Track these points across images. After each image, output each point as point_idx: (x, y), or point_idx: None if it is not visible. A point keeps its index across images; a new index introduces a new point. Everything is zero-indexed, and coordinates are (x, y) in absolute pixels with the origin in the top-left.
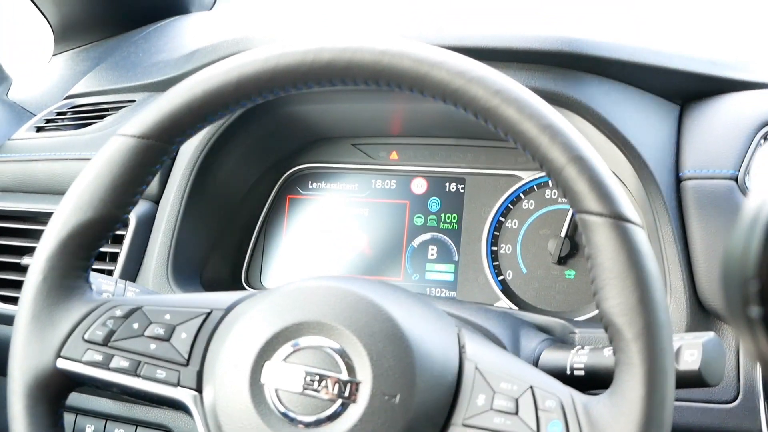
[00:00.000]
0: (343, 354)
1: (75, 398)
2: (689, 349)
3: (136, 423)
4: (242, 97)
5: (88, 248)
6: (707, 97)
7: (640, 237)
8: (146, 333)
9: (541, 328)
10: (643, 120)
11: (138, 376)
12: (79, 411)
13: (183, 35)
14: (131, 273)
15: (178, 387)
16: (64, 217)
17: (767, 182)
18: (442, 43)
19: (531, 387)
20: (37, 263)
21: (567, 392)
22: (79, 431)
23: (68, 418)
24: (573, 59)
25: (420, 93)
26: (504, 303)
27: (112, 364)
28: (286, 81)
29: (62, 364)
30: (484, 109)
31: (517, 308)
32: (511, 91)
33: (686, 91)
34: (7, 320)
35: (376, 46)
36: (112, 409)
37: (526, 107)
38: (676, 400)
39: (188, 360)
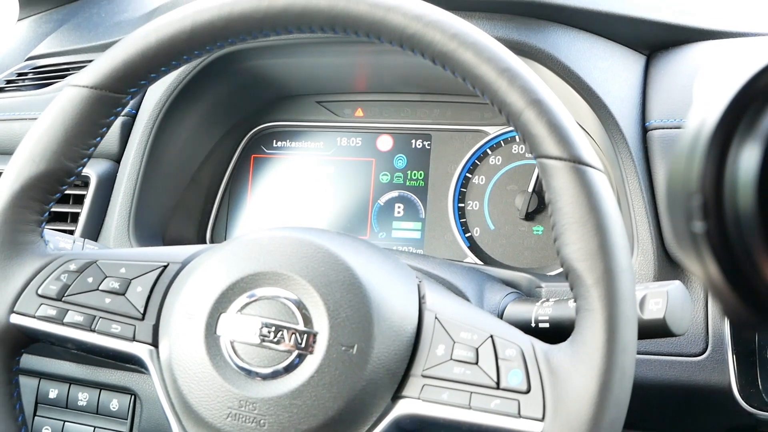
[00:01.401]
0: (299, 304)
1: (37, 362)
2: (654, 298)
3: (101, 386)
4: (196, 46)
5: (41, 201)
6: (673, 47)
7: (601, 181)
8: (101, 287)
9: (508, 283)
10: (609, 70)
11: (93, 330)
12: (42, 375)
13: None
14: (92, 233)
15: (134, 342)
16: (17, 170)
17: (709, 99)
18: None
19: (491, 336)
20: None
21: (528, 341)
22: (43, 395)
23: (31, 382)
24: (537, 8)
25: (377, 38)
26: (471, 260)
27: (67, 319)
28: (240, 28)
29: (15, 319)
30: (441, 54)
31: (484, 265)
32: (469, 35)
33: (652, 41)
34: None
35: None
36: (75, 372)
37: (483, 51)
38: (644, 353)
39: (144, 314)
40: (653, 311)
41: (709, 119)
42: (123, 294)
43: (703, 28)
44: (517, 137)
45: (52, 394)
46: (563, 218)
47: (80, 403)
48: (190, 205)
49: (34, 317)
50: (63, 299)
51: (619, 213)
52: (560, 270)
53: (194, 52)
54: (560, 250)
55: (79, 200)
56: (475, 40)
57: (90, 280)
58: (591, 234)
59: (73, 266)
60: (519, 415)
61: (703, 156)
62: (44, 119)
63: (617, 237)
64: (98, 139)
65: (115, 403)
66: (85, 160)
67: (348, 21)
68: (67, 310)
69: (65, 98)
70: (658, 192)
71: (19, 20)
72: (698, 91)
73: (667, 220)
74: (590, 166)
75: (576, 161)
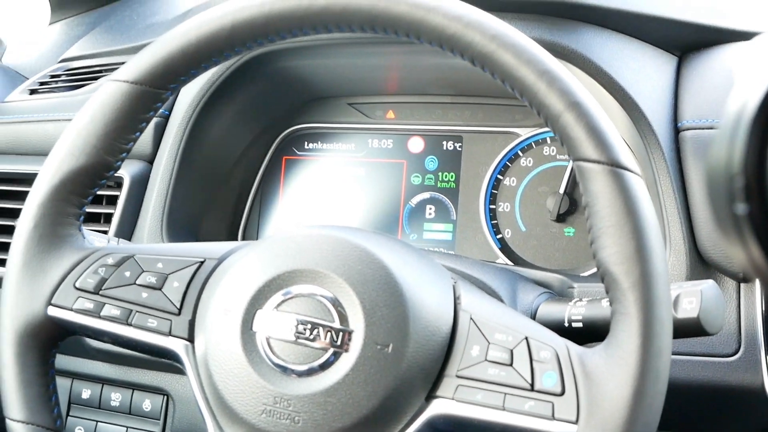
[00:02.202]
0: (335, 302)
1: (70, 362)
2: (687, 297)
3: (133, 386)
4: (236, 43)
5: (80, 195)
6: (705, 48)
7: (638, 185)
8: (138, 281)
9: (540, 283)
10: (641, 71)
11: (129, 324)
12: (75, 375)
13: None
14: (126, 233)
15: (170, 336)
16: (56, 163)
17: (751, 81)
18: None
19: (526, 338)
20: (29, 210)
21: (562, 343)
22: (76, 395)
23: (64, 383)
24: (570, 9)
25: (416, 38)
26: (503, 261)
27: (104, 313)
28: (280, 26)
29: (53, 311)
30: (480, 55)
31: (515, 265)
32: (508, 37)
33: (684, 42)
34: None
35: None
36: (108, 372)
37: (523, 53)
38: (676, 353)
39: (180, 309)
40: (687, 310)
41: (750, 101)
42: (160, 289)
43: (735, 29)
44: (548, 139)
45: (85, 394)
46: (600, 221)
47: (113, 404)
48: (222, 205)
49: (71, 310)
50: (100, 293)
51: (655, 217)
52: (592, 271)
53: (234, 49)
54: (596, 253)
55: (112, 201)
56: (515, 41)
57: (127, 274)
58: (628, 238)
59: (110, 260)
60: (553, 418)
61: (746, 137)
62: (84, 114)
63: (654, 241)
64: (137, 134)
65: (148, 403)
66: (124, 155)
67: (388, 21)
68: (104, 303)
69: (105, 93)
70: (690, 192)
71: (51, 24)
72: (740, 74)
73: (709, 203)
74: (628, 170)
75: (614, 165)
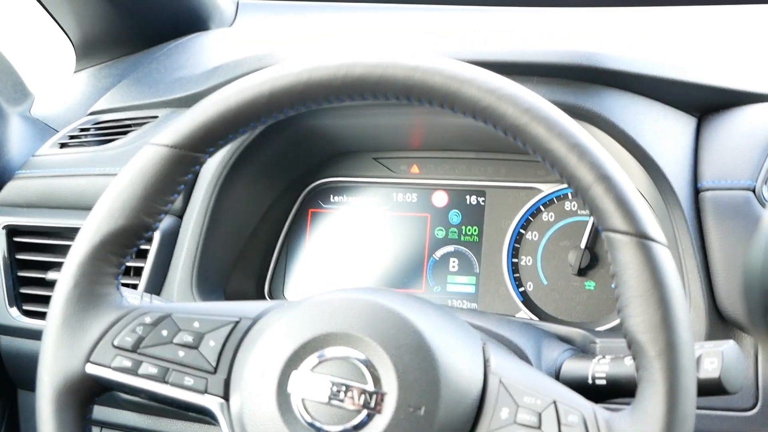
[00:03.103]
0: (369, 365)
1: (100, 411)
2: (709, 357)
3: None
4: (274, 110)
5: (119, 255)
6: (724, 109)
7: (665, 256)
8: (175, 340)
9: (563, 339)
10: (662, 132)
11: (166, 382)
12: (104, 424)
13: (204, 51)
14: (156, 287)
15: (206, 394)
16: (96, 224)
17: None
18: (464, 58)
19: (554, 401)
20: (69, 269)
21: (590, 407)
22: None
23: (94, 431)
24: (592, 73)
25: (450, 109)
26: (525, 314)
27: (141, 371)
28: (318, 94)
29: (91, 369)
30: (513, 127)
31: (537, 319)
32: (541, 110)
33: (704, 104)
34: (32, 334)
35: (408, 62)
36: (137, 422)
37: (555, 126)
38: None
39: (216, 368)
40: (709, 371)
41: None
42: (196, 348)
43: (753, 91)
44: (570, 195)
45: None
46: (628, 291)
47: None
48: (250, 259)
49: (109, 367)
50: (138, 351)
51: (681, 288)
52: (613, 324)
53: (272, 115)
54: (624, 321)
55: (142, 255)
56: (547, 115)
57: (164, 333)
58: (654, 308)
59: (148, 319)
60: None
61: None
62: (124, 176)
63: (680, 311)
64: (175, 195)
65: None
66: (162, 216)
67: (423, 92)
68: (142, 361)
69: (146, 156)
70: (710, 251)
71: (75, 72)
72: None
73: (744, 305)
74: (656, 242)
75: (642, 236)
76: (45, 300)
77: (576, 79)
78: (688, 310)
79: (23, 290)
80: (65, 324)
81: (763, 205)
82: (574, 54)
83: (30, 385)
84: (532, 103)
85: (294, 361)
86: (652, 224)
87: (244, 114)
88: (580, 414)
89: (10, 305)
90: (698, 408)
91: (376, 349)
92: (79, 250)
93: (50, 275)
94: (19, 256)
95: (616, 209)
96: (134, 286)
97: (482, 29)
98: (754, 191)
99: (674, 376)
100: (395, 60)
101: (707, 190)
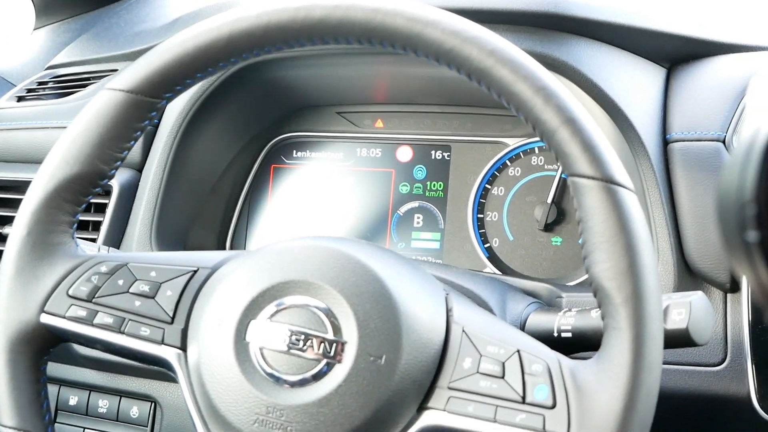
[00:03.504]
0: (329, 313)
1: (58, 369)
2: (677, 308)
3: (121, 393)
4: (233, 53)
5: (73, 203)
6: (694, 60)
7: (632, 201)
8: (131, 290)
9: (528, 293)
10: (630, 82)
11: (122, 333)
12: (62, 382)
13: (165, 5)
14: (115, 241)
15: (162, 345)
16: (51, 170)
17: (762, 108)
18: (430, 3)
19: (518, 351)
20: (22, 217)
21: (554, 356)
22: (63, 402)
23: (51, 390)
24: (560, 21)
25: (413, 52)
26: (490, 270)
27: (96, 320)
28: (277, 38)
29: (45, 319)
30: (477, 70)
31: (503, 275)
32: (506, 52)
33: (673, 54)
34: None
35: (368, 3)
36: (95, 379)
37: (520, 68)
38: (663, 363)
39: (173, 318)
40: (676, 321)
41: (763, 129)
42: (153, 297)
43: (723, 41)
44: (536, 149)
45: (72, 401)
46: (593, 237)
47: (100, 410)
48: (210, 214)
49: (64, 317)
50: (93, 300)
51: (648, 234)
52: (580, 280)
53: (230, 60)
54: (589, 268)
55: (101, 209)
56: (512, 57)
57: (120, 282)
58: (621, 254)
59: (104, 268)
60: (544, 430)
61: (758, 165)
62: (78, 122)
63: (647, 258)
64: (132, 143)
65: (135, 410)
66: (118, 163)
67: (385, 34)
68: (97, 311)
69: (101, 101)
70: (678, 203)
71: (35, 29)
72: (751, 100)
73: (719, 229)
74: (622, 186)
75: (608, 181)
76: (1, 254)
77: (543, 27)
78: (656, 257)
79: None
80: (18, 273)
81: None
82: (542, 1)
83: None
84: (496, 46)
85: (252, 309)
86: (618, 169)
87: (201, 58)
88: (544, 363)
89: None
90: (666, 363)
91: (336, 297)
92: (32, 198)
93: (6, 230)
94: None
95: (582, 153)
96: (93, 241)
97: None
98: (723, 142)
99: (641, 323)
100: (356, 2)
101: (676, 141)
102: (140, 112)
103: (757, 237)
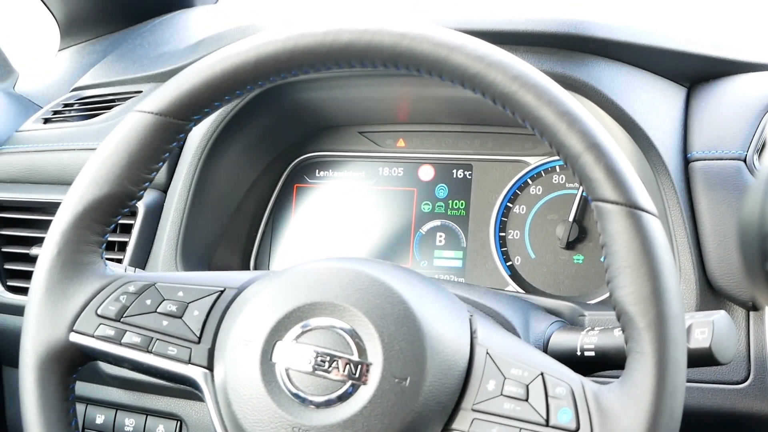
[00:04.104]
0: (354, 335)
1: (85, 388)
2: (700, 327)
3: (147, 412)
4: (260, 77)
5: (102, 223)
6: (714, 79)
7: (655, 226)
8: (159, 309)
9: (551, 312)
10: (651, 102)
11: (150, 352)
12: (89, 401)
13: (188, 27)
14: (140, 262)
15: (189, 364)
16: (80, 192)
17: None
18: (451, 25)
19: (542, 373)
20: (52, 237)
21: (578, 379)
22: (90, 420)
23: (79, 408)
24: (581, 42)
25: (438, 77)
26: (513, 288)
27: (125, 340)
28: (304, 61)
29: (74, 338)
30: (502, 95)
31: (525, 293)
32: (530, 77)
33: (693, 73)
34: (17, 310)
35: (395, 28)
36: (122, 398)
37: (544, 93)
38: (687, 381)
39: (200, 337)
40: (699, 340)
41: None
42: (180, 317)
43: (743, 60)
44: (557, 167)
45: (99, 419)
46: (617, 261)
47: (126, 429)
48: (235, 233)
49: (92, 336)
50: (121, 320)
51: (672, 259)
52: (602, 298)
53: (258, 83)
54: (613, 292)
55: (126, 229)
56: (536, 82)
57: (148, 302)
58: (644, 279)
59: (132, 288)
60: None
61: None
62: (108, 143)
63: (670, 282)
64: (160, 164)
65: (162, 429)
66: (146, 184)
67: (411, 59)
68: (125, 330)
69: (130, 123)
70: (700, 222)
71: (60, 50)
72: None
73: (740, 256)
74: (646, 212)
75: (632, 206)
76: (29, 276)
77: (564, 48)
78: (679, 281)
79: (7, 266)
80: (48, 292)
81: (753, 174)
82: (563, 22)
83: (15, 361)
84: (521, 71)
85: (278, 330)
86: (642, 194)
87: (229, 81)
88: (567, 386)
89: None
90: (689, 381)
91: (361, 318)
92: (62, 218)
93: (34, 250)
94: (3, 232)
95: (606, 179)
96: (119, 261)
97: None
98: (744, 161)
99: (664, 348)
100: (383, 26)
101: (697, 160)
102: (169, 134)
103: None
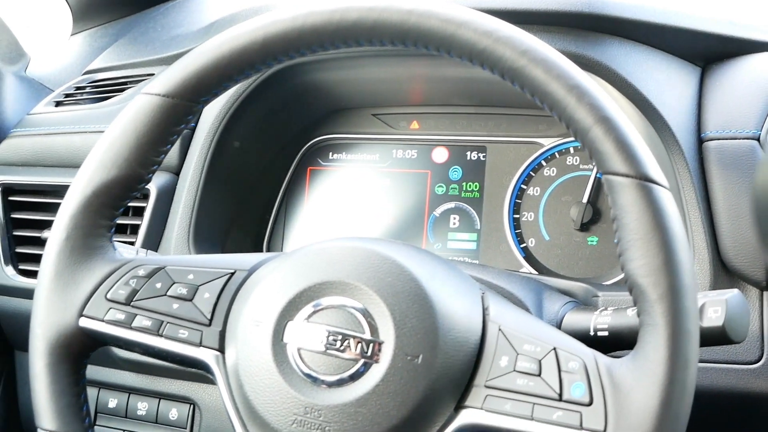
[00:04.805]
0: (365, 314)
1: (97, 372)
2: (713, 306)
3: (160, 396)
4: (268, 57)
5: (111, 207)
6: (728, 59)
7: (666, 198)
8: (169, 293)
9: (564, 292)
10: (665, 82)
11: (160, 335)
12: (101, 384)
13: (201, 10)
14: (153, 245)
15: (201, 347)
16: (88, 175)
17: None
18: (467, 4)
19: (554, 348)
20: (60, 222)
21: (590, 354)
22: (103, 404)
23: (91, 392)
24: (594, 21)
25: (447, 53)
26: (527, 270)
27: (135, 324)
28: (312, 40)
29: (85, 322)
30: (511, 70)
31: (539, 274)
32: (539, 52)
33: (708, 53)
34: (28, 294)
35: (403, 5)
36: (134, 381)
37: (553, 68)
38: (700, 361)
39: (211, 320)
40: (712, 319)
41: None
42: (190, 300)
43: (757, 39)
44: (572, 149)
45: (112, 403)
46: (628, 234)
47: (139, 413)
48: (247, 216)
49: (103, 321)
50: (132, 304)
51: (683, 231)
52: (616, 279)
53: (266, 63)
54: (624, 265)
55: (139, 212)
56: (545, 56)
57: (158, 285)
58: (656, 250)
59: (141, 272)
60: (581, 427)
61: None
62: (116, 126)
63: (682, 254)
64: (169, 146)
65: (174, 412)
66: (155, 167)
67: (419, 35)
68: (136, 314)
69: (138, 106)
70: (714, 201)
71: (72, 34)
72: None
73: (756, 227)
74: (657, 184)
75: (643, 178)
76: (40, 259)
77: (578, 28)
78: (691, 254)
79: (19, 249)
80: (57, 277)
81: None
82: (577, 2)
83: (27, 346)
84: (529, 45)
85: (289, 310)
86: (653, 166)
87: (237, 61)
88: (580, 360)
89: (6, 264)
90: (702, 361)
91: (373, 297)
92: (71, 202)
93: (45, 234)
94: (15, 215)
95: (616, 151)
96: (131, 244)
97: None
98: (758, 140)
99: (676, 319)
100: (390, 3)
101: (711, 139)
102: (177, 115)
103: None
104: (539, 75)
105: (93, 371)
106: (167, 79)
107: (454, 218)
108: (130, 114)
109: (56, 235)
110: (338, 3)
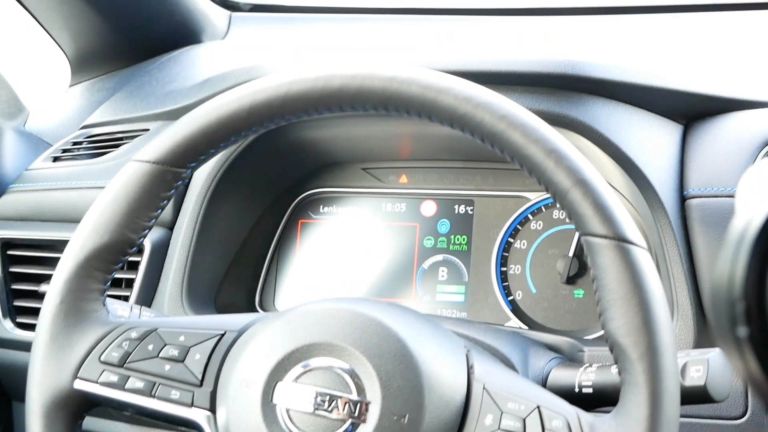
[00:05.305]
0: (352, 374)
1: (92, 422)
2: (695, 365)
3: None
4: (254, 123)
5: (104, 271)
6: (710, 117)
7: (644, 259)
8: (161, 354)
9: (550, 347)
10: (647, 140)
11: (153, 396)
12: None
13: (196, 64)
14: (146, 299)
15: (192, 407)
16: (81, 241)
17: (752, 203)
18: (448, 68)
19: (538, 407)
20: (55, 286)
21: (573, 412)
22: None
23: None
24: (576, 81)
25: (428, 119)
26: (514, 323)
27: (128, 385)
28: (297, 107)
29: (79, 384)
30: (490, 134)
31: (527, 328)
32: (517, 116)
33: (690, 111)
34: (26, 347)
35: (384, 72)
36: None
37: (531, 132)
38: (684, 416)
39: (202, 381)
40: (694, 378)
41: (752, 227)
42: (182, 361)
43: (739, 98)
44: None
45: None
46: (608, 294)
47: None
48: (240, 270)
49: (96, 383)
50: (125, 366)
51: (662, 290)
52: (601, 333)
53: (252, 129)
54: (605, 325)
55: (133, 266)
56: (523, 121)
57: (150, 347)
58: (635, 311)
59: (134, 334)
60: None
61: (746, 262)
62: (108, 193)
63: (660, 314)
64: (159, 211)
65: None
66: (146, 231)
67: (401, 102)
68: (129, 376)
69: (128, 173)
70: (697, 259)
71: (71, 86)
72: (742, 194)
73: (712, 322)
74: (634, 245)
75: (620, 240)
76: (38, 312)
77: (560, 88)
78: (669, 313)
79: (17, 303)
80: (52, 340)
81: None
82: (557, 63)
83: (24, 397)
84: (508, 110)
85: (278, 371)
86: (630, 227)
87: (224, 129)
88: (564, 418)
89: (4, 317)
90: (687, 416)
91: (360, 358)
92: (64, 267)
93: (43, 288)
94: (13, 269)
95: (594, 213)
96: (125, 298)
97: (465, 38)
98: None
99: (656, 378)
100: (372, 71)
101: (694, 197)
102: (166, 182)
103: (746, 333)
104: (518, 139)
105: (88, 421)
106: (156, 147)
107: (443, 271)
108: (121, 180)
109: (51, 300)
110: (322, 71)
